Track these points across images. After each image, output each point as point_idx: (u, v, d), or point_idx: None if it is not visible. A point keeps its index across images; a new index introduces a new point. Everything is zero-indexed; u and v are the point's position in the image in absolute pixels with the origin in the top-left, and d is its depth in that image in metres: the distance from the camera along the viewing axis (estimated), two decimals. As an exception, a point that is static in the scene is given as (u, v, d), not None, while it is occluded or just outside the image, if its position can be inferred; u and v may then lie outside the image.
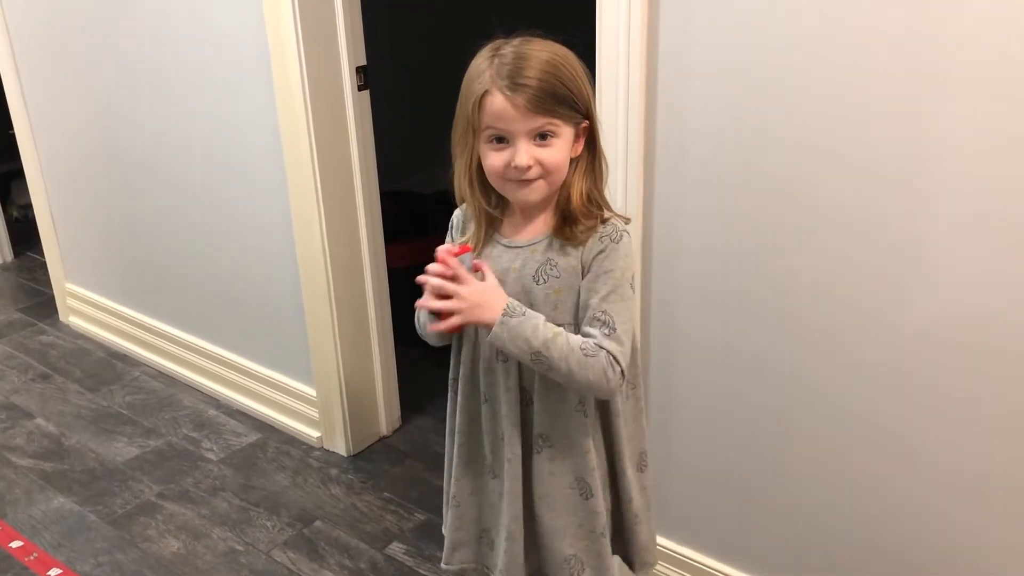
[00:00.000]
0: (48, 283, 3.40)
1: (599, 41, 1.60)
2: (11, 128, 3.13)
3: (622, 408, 1.40)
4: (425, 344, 1.45)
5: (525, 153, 1.23)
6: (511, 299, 1.26)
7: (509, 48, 1.23)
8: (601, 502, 1.40)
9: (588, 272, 1.29)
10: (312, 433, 2.57)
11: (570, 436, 1.36)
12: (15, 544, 2.21)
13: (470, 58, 1.28)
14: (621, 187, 1.66)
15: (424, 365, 2.80)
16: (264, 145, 2.32)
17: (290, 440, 2.61)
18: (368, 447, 2.56)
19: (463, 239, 1.40)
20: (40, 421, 2.73)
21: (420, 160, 3.81)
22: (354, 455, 2.52)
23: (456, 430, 1.46)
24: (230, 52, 2.30)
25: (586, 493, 1.39)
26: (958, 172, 1.35)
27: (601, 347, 1.25)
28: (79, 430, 2.68)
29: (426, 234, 3.52)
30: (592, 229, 1.29)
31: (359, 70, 2.22)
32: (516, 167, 1.23)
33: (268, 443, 2.60)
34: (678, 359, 1.76)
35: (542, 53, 1.22)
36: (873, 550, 1.64)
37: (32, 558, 2.16)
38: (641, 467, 1.47)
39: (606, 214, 1.31)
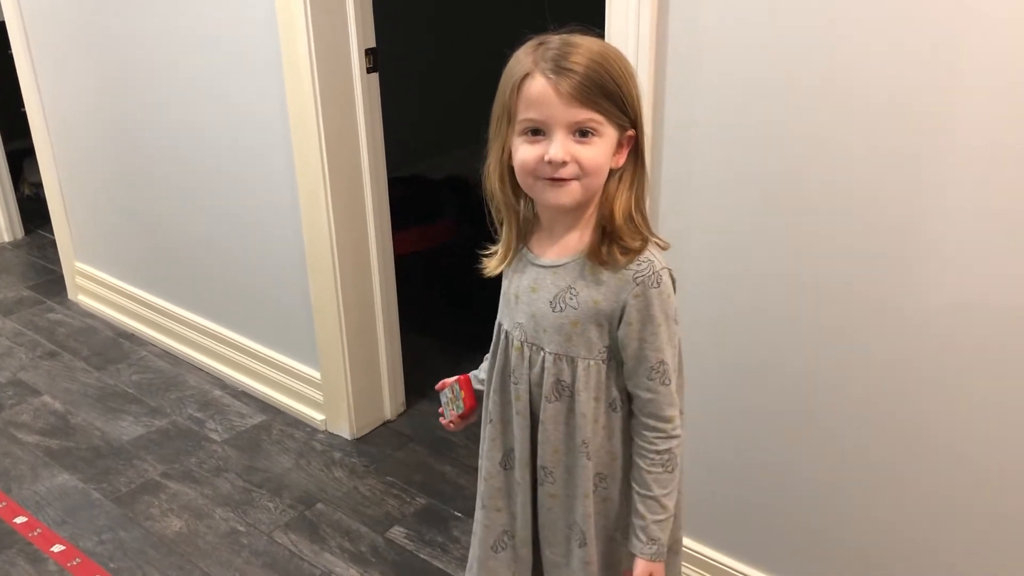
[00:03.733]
0: (58, 261, 3.41)
1: (607, 38, 1.58)
2: (22, 106, 3.13)
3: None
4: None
5: (561, 146, 1.11)
6: (647, 548, 1.26)
7: (556, 38, 1.13)
8: (594, 551, 1.31)
9: (626, 319, 1.18)
10: (316, 416, 2.58)
11: (572, 477, 1.29)
12: (19, 520, 2.22)
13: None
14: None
15: (429, 350, 2.80)
16: (273, 127, 2.31)
17: (294, 422, 2.61)
18: (372, 431, 2.56)
19: (491, 251, 1.31)
20: (47, 398, 2.74)
21: (431, 145, 3.82)
22: (358, 439, 2.52)
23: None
24: (239, 33, 2.29)
25: (580, 540, 1.31)
26: (968, 166, 1.33)
27: (659, 417, 1.23)
28: (85, 408, 2.69)
29: (435, 220, 3.53)
30: (635, 253, 1.17)
31: (368, 52, 2.21)
32: (550, 161, 1.11)
33: (272, 425, 2.60)
34: (691, 358, 1.74)
35: (593, 44, 1.12)
36: (886, 546, 1.64)
37: (36, 534, 2.17)
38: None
39: (642, 250, 1.18)
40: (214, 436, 2.55)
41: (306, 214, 2.32)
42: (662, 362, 1.20)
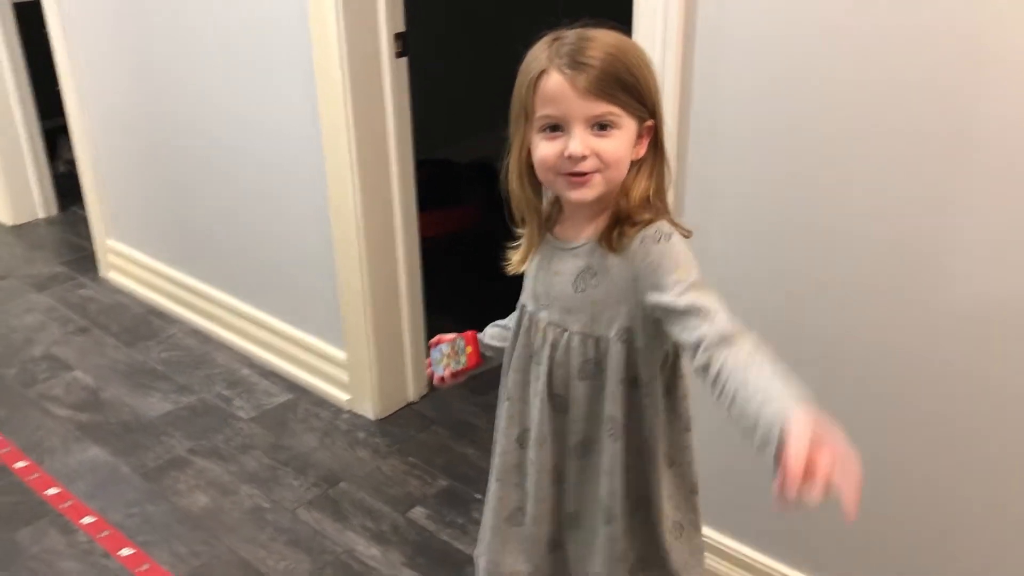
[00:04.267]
0: (90, 238, 3.46)
1: (635, 28, 1.58)
2: (58, 84, 3.17)
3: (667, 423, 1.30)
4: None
5: (580, 140, 1.11)
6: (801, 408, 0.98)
7: (571, 32, 1.13)
8: (619, 528, 1.32)
9: (644, 279, 1.16)
10: (341, 396, 2.61)
11: (598, 455, 1.29)
12: (51, 491, 2.28)
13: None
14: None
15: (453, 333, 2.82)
16: (301, 111, 2.33)
17: (320, 402, 2.64)
18: (395, 412, 2.59)
19: (514, 245, 1.31)
20: (78, 373, 2.79)
21: (457, 129, 3.83)
22: (381, 419, 2.55)
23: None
24: (269, 15, 2.31)
25: (606, 517, 1.32)
26: (999, 155, 1.32)
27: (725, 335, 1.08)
28: (115, 383, 2.74)
29: (460, 203, 3.55)
30: (644, 224, 1.17)
31: (398, 36, 2.22)
32: (570, 156, 1.12)
33: (298, 404, 2.64)
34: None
35: (608, 37, 1.12)
36: (899, 543, 1.64)
37: (67, 505, 2.23)
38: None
39: (652, 222, 1.17)
40: (241, 414, 2.59)
41: (333, 197, 2.34)
42: (693, 283, 1.11)
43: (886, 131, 1.40)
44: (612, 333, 1.22)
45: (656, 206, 1.21)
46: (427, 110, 2.70)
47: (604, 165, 1.14)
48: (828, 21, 1.41)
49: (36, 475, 2.33)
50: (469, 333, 1.44)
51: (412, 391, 2.62)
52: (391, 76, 2.24)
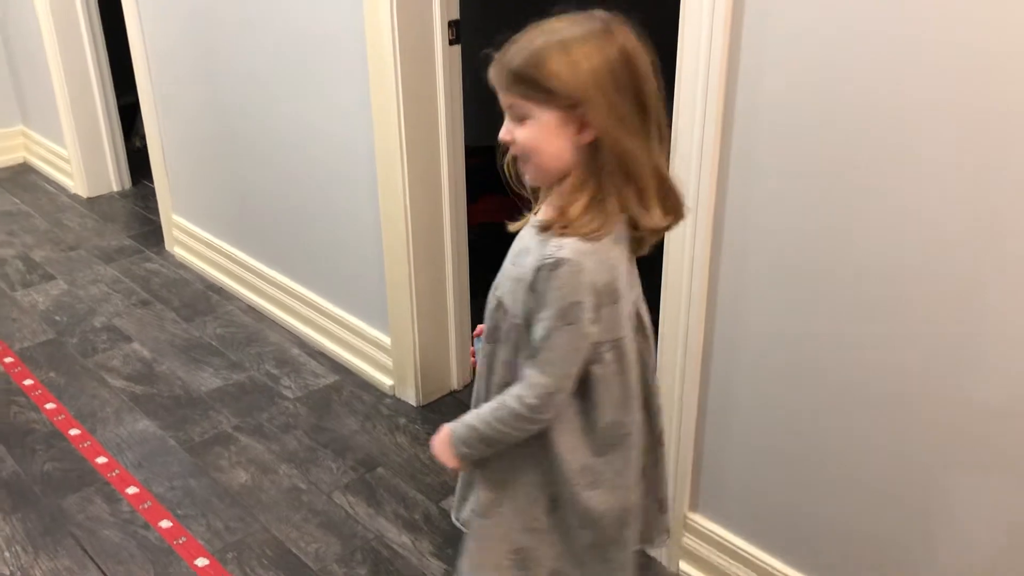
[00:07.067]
0: (158, 212, 3.54)
1: (681, 31, 1.55)
2: (130, 62, 3.25)
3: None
4: None
5: (504, 127, 1.20)
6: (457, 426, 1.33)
7: (546, 21, 1.18)
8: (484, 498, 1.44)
9: (533, 293, 1.20)
10: (386, 381, 2.62)
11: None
12: (101, 460, 2.35)
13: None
14: (694, 178, 1.61)
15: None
16: (354, 98, 2.34)
17: (364, 385, 2.66)
18: (438, 399, 2.59)
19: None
20: (136, 345, 2.87)
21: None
22: (423, 406, 2.56)
23: None
24: (323, 3, 2.31)
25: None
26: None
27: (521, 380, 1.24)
28: (171, 357, 2.80)
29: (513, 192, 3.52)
30: (552, 223, 1.18)
31: (451, 24, 2.20)
32: (499, 140, 1.22)
33: (344, 386, 2.66)
34: (741, 350, 1.70)
35: (536, 31, 1.15)
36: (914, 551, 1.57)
37: (114, 475, 2.29)
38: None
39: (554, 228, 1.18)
40: (287, 393, 2.63)
41: (383, 184, 2.34)
42: (538, 349, 1.21)
43: (937, 136, 1.33)
44: (517, 317, 1.26)
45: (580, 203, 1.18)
46: (483, 98, 2.67)
47: (524, 152, 1.19)
48: (867, 13, 1.34)
49: (88, 443, 2.41)
50: None
51: (455, 379, 2.62)
52: (444, 63, 2.22)
